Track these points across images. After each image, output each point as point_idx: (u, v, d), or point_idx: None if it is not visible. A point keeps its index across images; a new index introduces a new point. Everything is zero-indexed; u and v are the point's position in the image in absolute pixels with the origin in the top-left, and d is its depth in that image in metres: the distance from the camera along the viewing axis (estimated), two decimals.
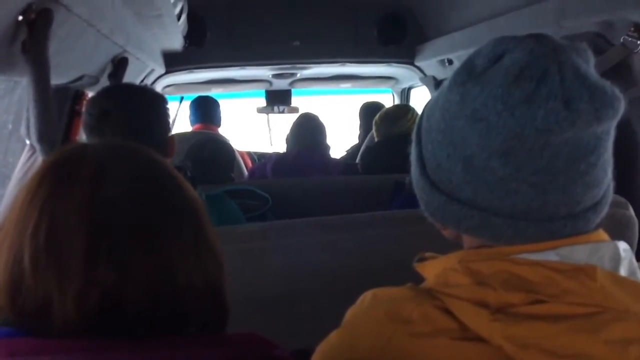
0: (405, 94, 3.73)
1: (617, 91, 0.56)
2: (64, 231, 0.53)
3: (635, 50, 1.37)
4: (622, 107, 0.56)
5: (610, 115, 0.56)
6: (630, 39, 1.35)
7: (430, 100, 0.68)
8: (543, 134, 0.55)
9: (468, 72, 0.60)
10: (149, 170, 0.61)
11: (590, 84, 0.56)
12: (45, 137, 0.99)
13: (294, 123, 2.60)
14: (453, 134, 0.60)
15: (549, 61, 0.57)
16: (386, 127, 2.29)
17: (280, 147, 3.25)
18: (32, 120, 0.99)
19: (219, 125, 3.14)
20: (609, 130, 0.59)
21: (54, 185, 0.56)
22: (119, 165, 0.58)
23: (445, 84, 0.64)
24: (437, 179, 0.64)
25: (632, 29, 1.34)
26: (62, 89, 1.56)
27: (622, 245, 0.61)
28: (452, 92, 0.61)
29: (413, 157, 0.68)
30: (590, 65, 0.59)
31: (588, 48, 0.60)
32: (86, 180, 0.56)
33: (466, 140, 0.59)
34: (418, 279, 0.69)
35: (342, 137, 4.13)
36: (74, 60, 1.33)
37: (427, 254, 0.69)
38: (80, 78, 1.46)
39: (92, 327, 0.52)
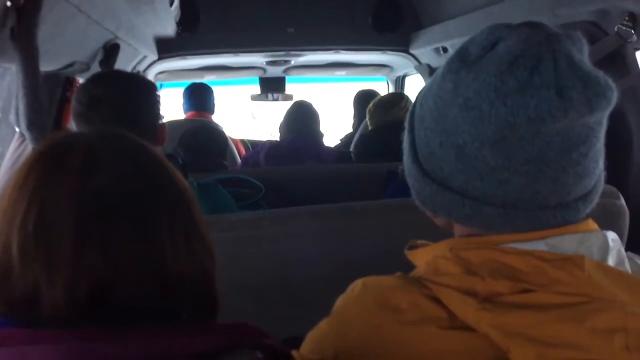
0: (399, 82, 3.72)
1: (610, 81, 0.56)
2: (53, 220, 0.53)
3: (630, 40, 1.37)
4: (614, 97, 0.56)
5: (603, 106, 0.55)
6: (624, 28, 1.35)
7: (424, 87, 0.68)
8: (535, 123, 0.55)
9: (461, 60, 0.60)
10: (139, 158, 0.60)
11: (584, 73, 0.56)
12: (34, 124, 0.98)
13: (287, 110, 2.58)
14: (446, 122, 0.60)
15: (542, 49, 0.56)
16: (379, 115, 2.29)
17: (273, 134, 3.25)
18: (22, 108, 0.98)
19: (212, 112, 3.12)
20: (601, 120, 0.59)
21: (44, 173, 0.55)
22: (108, 153, 0.58)
23: (439, 71, 0.64)
24: (429, 167, 0.64)
25: (627, 18, 1.34)
26: (53, 76, 1.55)
27: (611, 235, 0.61)
28: (445, 80, 0.61)
29: (405, 145, 0.68)
30: (584, 54, 0.59)
31: (582, 37, 0.60)
32: (76, 169, 0.55)
33: (459, 128, 0.59)
34: (410, 267, 0.69)
35: (336, 125, 4.12)
36: (64, 47, 1.31)
37: (419, 242, 0.69)
38: (71, 64, 1.44)
39: (82, 316, 0.52)
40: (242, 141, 3.46)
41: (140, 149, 0.62)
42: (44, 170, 0.56)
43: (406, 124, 0.68)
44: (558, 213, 0.59)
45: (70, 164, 0.55)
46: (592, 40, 1.43)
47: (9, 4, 0.88)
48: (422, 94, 0.67)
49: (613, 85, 0.56)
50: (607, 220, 1.24)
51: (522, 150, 0.57)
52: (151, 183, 0.59)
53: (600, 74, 0.56)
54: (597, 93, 0.55)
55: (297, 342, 0.71)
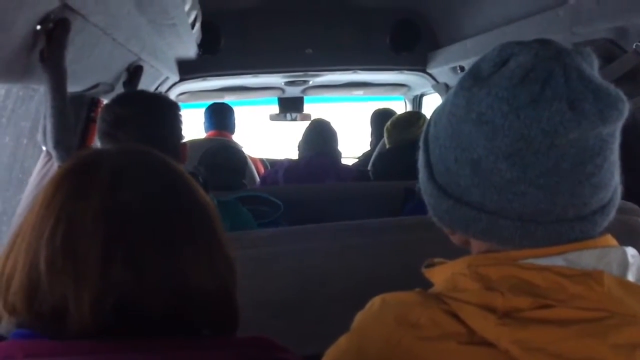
0: (417, 101, 3.73)
1: (621, 93, 0.57)
2: (80, 235, 0.54)
3: None
4: (626, 109, 0.57)
5: (615, 117, 0.56)
6: None
7: (438, 106, 0.69)
8: (549, 135, 0.56)
9: (474, 77, 0.61)
10: (163, 174, 0.62)
11: (595, 85, 0.56)
12: (61, 143, 1.01)
13: (306, 129, 2.60)
14: (460, 138, 0.61)
15: (553, 63, 0.57)
16: (397, 133, 2.29)
17: (293, 154, 3.27)
18: (49, 127, 1.01)
19: (233, 132, 3.15)
20: (614, 132, 0.59)
21: (71, 190, 0.57)
22: (134, 170, 0.59)
23: (452, 90, 0.65)
24: (445, 182, 0.64)
25: None
26: (78, 97, 1.59)
27: (630, 251, 0.61)
28: (458, 97, 0.62)
29: (420, 164, 0.69)
30: (594, 68, 0.60)
31: (592, 52, 0.61)
32: (102, 185, 0.57)
33: (473, 143, 0.60)
34: (429, 285, 0.69)
35: (354, 144, 4.14)
36: (90, 69, 1.35)
37: (436, 260, 0.69)
38: (96, 86, 1.48)
39: (107, 329, 0.53)
40: (261, 160, 3.49)
41: (165, 165, 0.63)
42: (71, 186, 0.57)
43: (420, 144, 0.69)
44: (576, 226, 0.59)
45: (97, 180, 0.57)
46: (611, 58, 1.43)
47: (39, 27, 0.92)
48: (436, 113, 0.68)
49: (624, 97, 0.57)
50: (628, 237, 1.22)
51: (537, 163, 0.57)
52: (176, 200, 0.60)
53: (611, 86, 0.57)
54: (609, 104, 0.55)
55: (317, 359, 0.71)
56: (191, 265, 0.57)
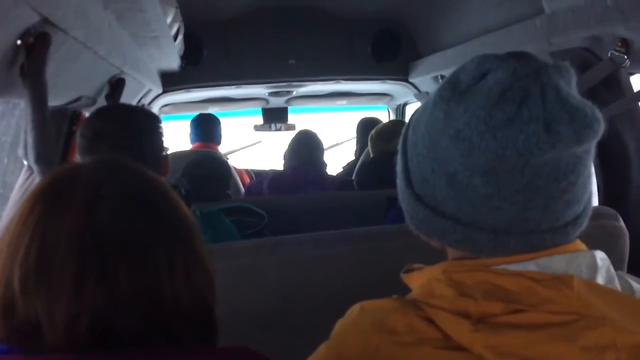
0: (400, 110, 3.76)
1: (597, 112, 0.57)
2: (53, 257, 0.54)
3: (623, 65, 1.40)
4: (601, 128, 0.57)
5: (590, 137, 0.57)
6: (617, 53, 1.38)
7: (417, 111, 0.69)
8: (523, 155, 0.56)
9: (452, 89, 0.61)
10: (139, 189, 0.61)
11: (571, 106, 0.57)
12: (42, 158, 1.01)
13: (292, 140, 2.61)
14: (437, 151, 0.62)
15: (531, 82, 0.58)
16: (381, 143, 2.31)
17: (278, 164, 3.27)
18: (30, 142, 1.00)
19: (218, 143, 3.14)
20: (589, 149, 0.60)
21: (46, 209, 0.56)
22: (111, 187, 0.58)
23: (431, 97, 0.65)
24: (422, 192, 0.65)
25: (619, 43, 1.37)
26: (60, 110, 1.58)
27: (599, 255, 0.63)
28: (437, 109, 0.62)
29: (399, 169, 0.70)
30: (572, 85, 0.60)
31: (570, 68, 0.61)
32: (76, 205, 0.56)
33: (450, 157, 0.61)
34: (410, 291, 0.70)
35: (338, 154, 4.15)
36: (71, 82, 1.34)
37: (415, 265, 0.70)
38: (77, 99, 1.47)
39: (82, 348, 0.53)
40: (246, 171, 3.49)
41: (142, 179, 0.62)
42: (47, 204, 0.57)
43: (399, 147, 0.70)
44: (548, 237, 0.61)
45: (71, 200, 0.56)
46: (587, 66, 1.46)
47: (19, 42, 0.91)
48: (415, 118, 0.68)
49: (600, 116, 0.58)
50: (607, 243, 1.25)
51: (511, 180, 0.58)
52: (153, 217, 0.59)
53: (587, 105, 0.58)
54: (584, 125, 0.56)
55: None
56: (166, 280, 0.57)
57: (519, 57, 0.61)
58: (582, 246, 0.64)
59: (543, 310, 0.57)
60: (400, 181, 0.69)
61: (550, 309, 0.57)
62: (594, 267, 0.61)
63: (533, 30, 1.57)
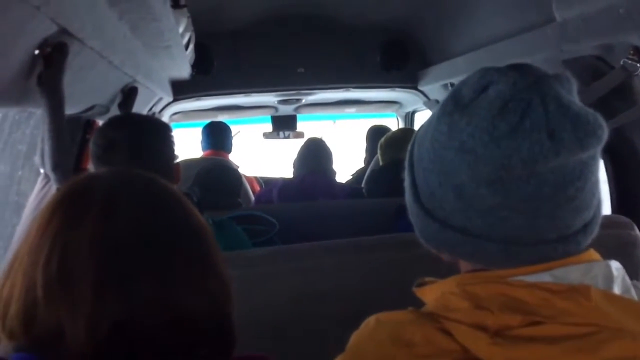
0: (409, 117, 3.76)
1: (599, 118, 0.58)
2: (74, 262, 0.55)
3: (635, 73, 1.39)
4: (605, 134, 0.58)
5: (594, 143, 0.57)
6: (630, 61, 1.38)
7: (421, 127, 0.70)
8: (528, 164, 0.57)
9: (455, 102, 0.62)
10: (156, 199, 0.62)
11: (573, 114, 0.57)
12: (59, 166, 1.02)
13: (301, 148, 2.62)
14: (443, 164, 0.62)
15: (531, 93, 0.58)
16: (391, 151, 2.31)
17: (287, 172, 3.28)
18: (47, 150, 1.02)
19: (229, 151, 3.15)
20: (595, 155, 0.60)
21: (65, 217, 0.58)
22: (126, 195, 0.60)
23: (435, 112, 0.66)
24: (430, 206, 0.65)
25: (632, 52, 1.36)
26: (74, 119, 1.60)
27: (614, 264, 0.62)
28: (441, 123, 0.63)
29: (407, 184, 0.70)
30: (573, 94, 0.61)
31: (571, 77, 0.62)
32: (95, 213, 0.57)
33: (456, 169, 0.61)
34: (423, 301, 0.70)
35: (347, 161, 4.16)
36: (86, 91, 1.36)
37: (427, 279, 0.70)
38: (91, 108, 1.49)
39: (103, 354, 0.54)
40: (256, 178, 3.49)
41: (158, 189, 0.63)
42: (65, 214, 0.58)
43: (406, 163, 0.71)
44: (559, 246, 0.61)
45: (90, 208, 0.58)
46: (599, 74, 1.46)
47: (37, 52, 0.93)
48: (419, 134, 0.69)
49: (603, 122, 0.58)
50: (621, 252, 1.24)
51: (518, 190, 0.58)
52: (169, 225, 0.60)
53: (590, 112, 0.58)
54: (587, 132, 0.56)
55: None
56: (185, 289, 0.58)
57: (519, 68, 0.62)
58: (597, 256, 0.63)
59: (561, 322, 0.56)
60: (408, 196, 0.69)
61: (568, 320, 0.56)
62: (610, 277, 0.61)
63: (544, 39, 1.57)
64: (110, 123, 1.35)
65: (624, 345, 0.54)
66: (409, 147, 0.72)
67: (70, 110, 1.34)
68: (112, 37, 1.18)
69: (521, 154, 0.56)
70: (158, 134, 1.34)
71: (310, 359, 0.96)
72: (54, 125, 0.98)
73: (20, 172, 1.45)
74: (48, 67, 0.95)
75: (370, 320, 0.66)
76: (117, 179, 0.62)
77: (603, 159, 1.63)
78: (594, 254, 0.63)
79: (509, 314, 0.58)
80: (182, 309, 0.57)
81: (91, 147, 1.31)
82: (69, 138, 1.06)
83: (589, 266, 0.61)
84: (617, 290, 0.60)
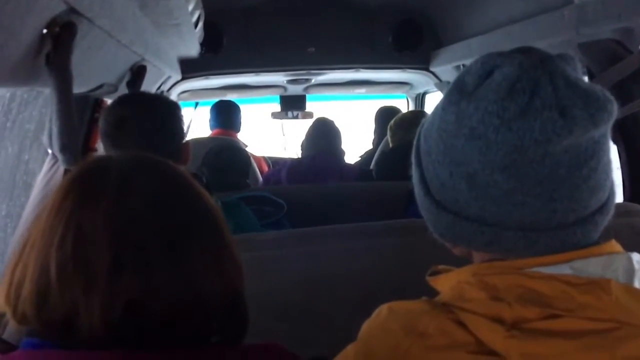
0: (420, 99, 3.73)
1: (608, 94, 0.57)
2: (89, 242, 0.55)
3: None
4: (615, 109, 0.57)
5: (606, 119, 0.56)
6: None
7: (425, 121, 0.69)
8: (542, 144, 0.56)
9: (459, 91, 0.61)
10: (170, 180, 0.62)
11: (582, 90, 0.57)
12: (67, 147, 1.01)
13: (309, 128, 2.60)
14: (454, 153, 0.61)
15: (539, 72, 0.58)
16: (401, 133, 2.29)
17: (296, 152, 3.27)
18: (55, 130, 1.01)
19: (238, 130, 3.14)
20: (606, 133, 0.60)
21: (80, 197, 0.57)
22: (141, 176, 0.60)
23: (439, 104, 0.65)
24: (442, 198, 0.64)
25: None
26: (82, 98, 1.59)
27: (636, 257, 0.61)
28: (447, 112, 0.62)
29: (415, 180, 0.69)
30: (578, 72, 0.60)
31: (574, 56, 0.61)
32: (110, 192, 0.57)
33: (467, 158, 0.60)
34: (435, 288, 0.69)
35: (356, 142, 4.13)
36: (94, 70, 1.35)
37: (441, 267, 0.69)
38: (100, 86, 1.48)
39: (116, 337, 0.54)
40: (264, 158, 3.49)
41: (171, 172, 0.63)
42: (79, 194, 0.58)
43: (412, 159, 0.69)
44: (577, 230, 0.60)
45: (105, 187, 0.57)
46: (616, 58, 1.43)
47: (45, 31, 0.91)
48: (424, 128, 0.68)
49: (612, 98, 0.57)
50: (636, 240, 1.22)
51: (533, 172, 0.57)
52: (182, 205, 0.60)
53: (598, 88, 0.58)
54: (599, 108, 0.56)
55: None
56: (199, 270, 0.58)
57: (523, 51, 0.61)
58: (618, 247, 0.62)
59: (580, 317, 0.55)
60: (418, 191, 0.68)
61: (587, 315, 0.55)
62: (631, 271, 0.59)
63: (561, 21, 1.53)
64: (120, 101, 1.35)
65: None
66: (414, 142, 0.70)
67: (78, 89, 1.33)
68: (121, 16, 1.16)
69: (534, 134, 0.55)
70: (168, 113, 1.34)
71: (317, 343, 0.96)
72: (62, 105, 0.98)
73: (28, 152, 1.45)
74: (56, 47, 0.93)
75: (383, 309, 0.66)
76: (131, 162, 0.62)
77: (617, 145, 1.60)
78: (615, 245, 0.62)
79: (527, 306, 0.57)
80: (197, 290, 0.57)
81: (101, 124, 1.31)
82: (77, 118, 1.05)
83: (610, 259, 0.60)
84: (638, 284, 0.59)
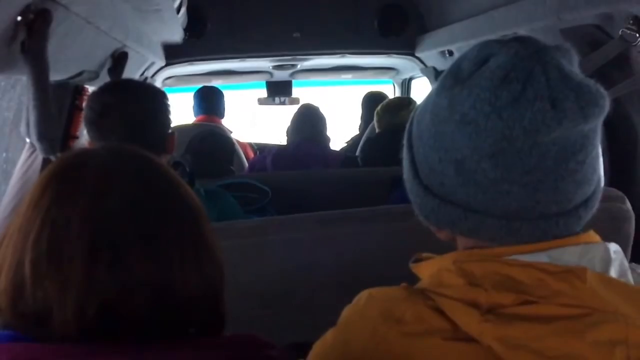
0: (406, 84, 3.73)
1: (601, 89, 0.57)
2: (65, 240, 0.54)
3: (634, 43, 1.37)
4: (607, 104, 0.57)
5: (596, 113, 0.57)
6: (628, 31, 1.35)
7: (419, 105, 0.69)
8: (531, 134, 0.56)
9: (454, 77, 0.61)
10: (150, 178, 0.61)
11: (575, 83, 0.57)
12: (45, 136, 1.00)
13: (294, 114, 2.60)
14: (443, 138, 0.61)
15: (533, 62, 0.58)
16: (388, 118, 2.29)
17: (281, 138, 3.26)
18: (32, 119, 1.00)
19: (222, 116, 3.11)
20: (596, 128, 0.60)
21: (57, 194, 0.56)
22: (119, 173, 0.59)
23: (433, 89, 0.65)
24: (430, 182, 0.64)
25: (631, 21, 1.34)
26: (62, 85, 1.57)
27: (613, 247, 0.62)
28: (440, 97, 0.62)
29: (405, 162, 0.69)
30: (574, 64, 0.60)
31: (572, 48, 0.61)
32: (87, 191, 0.56)
33: (456, 143, 0.60)
34: (416, 275, 0.70)
35: (342, 128, 4.13)
36: (73, 57, 1.33)
37: (424, 255, 0.69)
38: (80, 74, 1.46)
39: (91, 333, 0.53)
40: (250, 144, 3.47)
41: (152, 167, 0.62)
42: (57, 191, 0.57)
43: (404, 142, 0.70)
44: (560, 221, 0.60)
45: (83, 185, 0.57)
46: (597, 44, 1.43)
47: (19, 19, 0.90)
48: (418, 112, 0.68)
49: (605, 92, 0.57)
50: (613, 225, 1.24)
51: (520, 162, 0.58)
52: (161, 203, 0.59)
53: (591, 82, 0.58)
54: (590, 101, 0.56)
55: (303, 347, 0.71)
56: (177, 269, 0.57)
57: (520, 40, 0.61)
58: (596, 237, 0.63)
59: (554, 303, 0.56)
60: (407, 174, 0.68)
61: (561, 301, 0.56)
62: (607, 260, 0.60)
63: (543, 6, 1.53)
64: (106, 88, 1.32)
65: (615, 328, 0.54)
66: (407, 126, 0.70)
67: (57, 76, 1.31)
68: (99, 3, 1.14)
69: (523, 124, 0.56)
70: (155, 101, 1.32)
71: (301, 330, 0.96)
72: (39, 94, 0.96)
73: (7, 140, 1.43)
74: (31, 34, 0.92)
75: (363, 295, 0.66)
76: (110, 157, 0.61)
77: None
78: (593, 235, 0.63)
79: (502, 292, 0.57)
80: (174, 289, 0.57)
81: (85, 112, 1.28)
82: (56, 104, 1.03)
83: (586, 248, 0.60)
84: (613, 273, 0.60)
